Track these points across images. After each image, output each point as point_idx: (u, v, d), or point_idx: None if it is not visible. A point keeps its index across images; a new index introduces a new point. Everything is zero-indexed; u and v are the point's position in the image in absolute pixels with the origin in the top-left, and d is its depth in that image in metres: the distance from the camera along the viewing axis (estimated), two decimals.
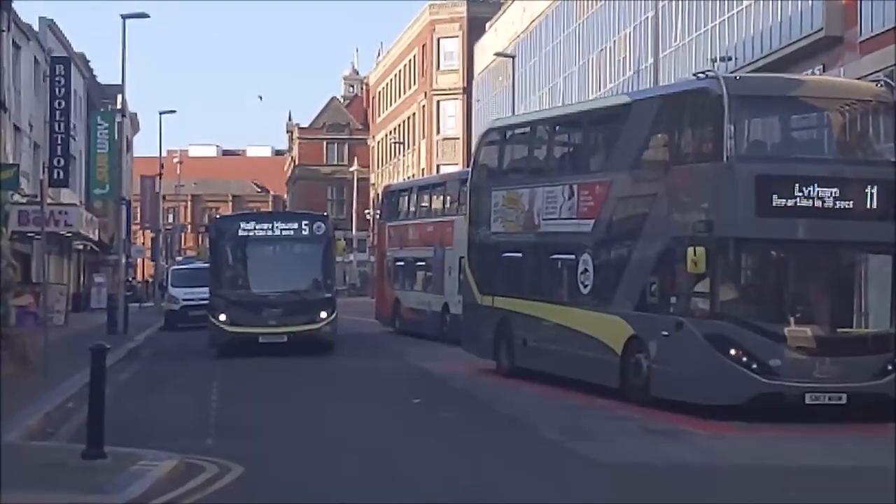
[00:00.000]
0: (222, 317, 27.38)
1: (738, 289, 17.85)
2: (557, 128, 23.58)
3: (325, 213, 30.49)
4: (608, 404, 18.54)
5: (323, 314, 27.51)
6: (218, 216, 31.00)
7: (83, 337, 26.82)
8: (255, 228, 28.20)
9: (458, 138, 69.08)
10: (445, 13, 71.56)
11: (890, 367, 17.31)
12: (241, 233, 28.17)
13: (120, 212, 47.30)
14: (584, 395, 19.60)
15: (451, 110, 70.92)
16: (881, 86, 19.16)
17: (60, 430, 15.48)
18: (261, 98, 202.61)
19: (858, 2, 28.98)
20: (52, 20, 46.11)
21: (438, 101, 71.67)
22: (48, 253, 36.95)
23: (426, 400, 19.07)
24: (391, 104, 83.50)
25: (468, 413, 17.93)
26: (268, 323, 27.09)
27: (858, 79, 24.12)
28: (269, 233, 28.18)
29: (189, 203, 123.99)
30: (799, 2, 31.17)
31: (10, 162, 33.55)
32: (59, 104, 44.24)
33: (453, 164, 63.78)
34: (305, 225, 28.37)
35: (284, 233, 28.25)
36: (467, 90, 68.48)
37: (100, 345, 12.92)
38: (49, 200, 34.08)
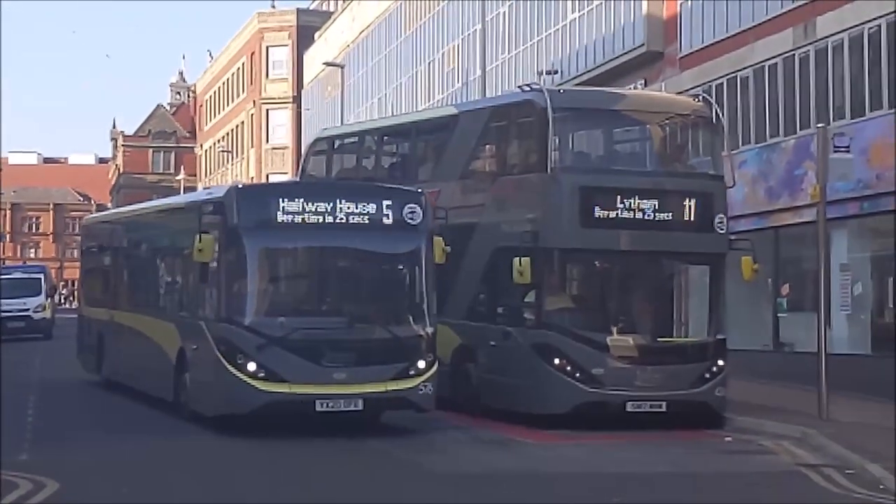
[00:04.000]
0: (251, 366, 15.52)
1: (562, 299, 18.14)
2: (386, 138, 23.62)
3: (420, 190, 17.31)
4: (441, 415, 18.56)
5: (420, 363, 16.16)
6: (239, 185, 18.44)
7: None
8: (304, 211, 16.04)
9: (287, 147, 68.59)
10: (274, 21, 71.03)
11: (707, 376, 17.80)
12: (280, 216, 15.99)
13: None
14: None
15: (281, 119, 70.39)
16: (700, 101, 19.73)
17: None
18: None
19: (679, 19, 29.73)
20: None
21: (268, 110, 71.05)
22: None
23: None
24: (219, 112, 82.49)
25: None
26: (332, 378, 15.70)
27: (678, 94, 24.73)
28: (330, 219, 16.13)
29: (8, 212, 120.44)
30: (622, 18, 31.83)
31: None
32: None
33: (283, 174, 63.27)
34: (389, 207, 16.42)
35: (355, 220, 16.23)
36: (297, 99, 68.09)
37: None
38: None
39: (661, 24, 30.49)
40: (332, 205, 16.16)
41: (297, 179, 23.76)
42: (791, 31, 25.01)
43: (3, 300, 40.59)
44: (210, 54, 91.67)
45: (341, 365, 15.80)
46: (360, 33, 55.50)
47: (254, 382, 15.50)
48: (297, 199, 16.12)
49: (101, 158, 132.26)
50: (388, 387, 15.92)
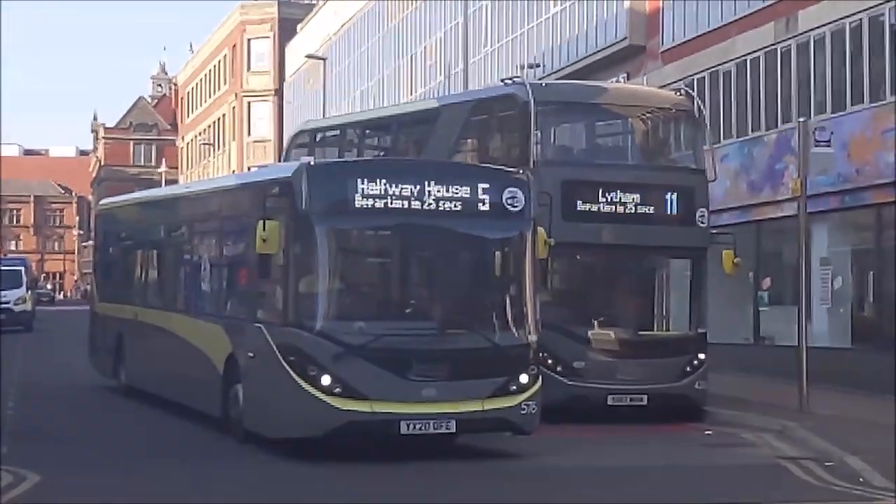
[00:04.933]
0: (325, 379, 13.01)
1: (545, 292, 18.11)
2: (367, 131, 23.58)
3: (522, 171, 14.78)
4: None
5: (523, 376, 13.75)
6: (310, 161, 14.01)
7: None
8: (387, 194, 13.43)
9: (269, 140, 68.55)
10: (256, 14, 70.95)
11: (688, 369, 17.87)
12: (359, 200, 13.38)
13: None
14: None
15: (263, 112, 70.36)
16: (681, 94, 19.78)
17: None
18: None
19: (661, 13, 29.77)
20: None
21: (249, 103, 70.99)
22: None
23: None
24: (201, 105, 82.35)
25: None
26: (420, 394, 13.23)
27: (661, 87, 24.77)
28: (417, 203, 13.53)
29: None
30: (604, 11, 31.86)
31: None
32: None
33: (264, 167, 63.14)
34: (486, 191, 13.82)
35: (446, 205, 13.63)
36: (279, 92, 68.03)
37: None
38: None
39: (643, 18, 30.53)
40: (419, 187, 13.49)
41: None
42: (773, 26, 25.09)
43: None
44: (191, 46, 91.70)
45: (431, 379, 13.23)
46: (343, 26, 55.44)
47: (329, 399, 12.94)
48: (378, 180, 13.41)
49: (81, 151, 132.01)
50: (486, 405, 13.41)
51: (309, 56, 53.51)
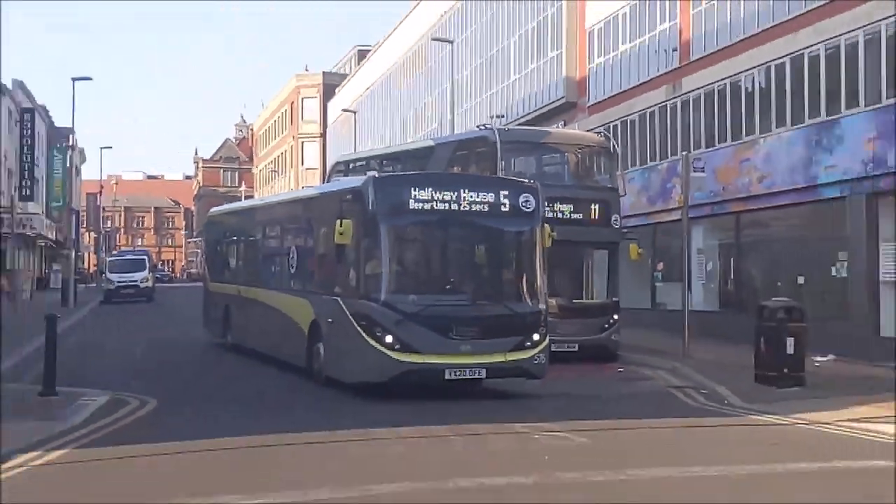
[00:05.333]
0: (388, 338, 12.50)
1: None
2: (384, 161, 23.48)
3: (533, 181, 14.21)
4: None
5: (535, 335, 13.16)
6: (376, 174, 14.34)
7: (43, 308, 25.46)
8: (434, 199, 12.95)
9: (316, 168, 68.37)
10: (307, 80, 70.81)
11: (606, 326, 17.91)
12: (413, 204, 12.89)
13: (71, 219, 45.55)
14: None
15: (312, 149, 70.15)
16: (602, 136, 19.77)
17: (25, 376, 14.61)
18: None
19: (587, 79, 29.72)
20: (21, 81, 43.84)
21: (302, 143, 70.81)
22: (18, 248, 35.34)
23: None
24: (269, 143, 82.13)
25: None
26: (458, 349, 12.68)
27: (587, 131, 24.74)
28: (455, 206, 13.03)
29: (122, 213, 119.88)
30: (548, 78, 31.80)
31: None
32: (27, 142, 42.41)
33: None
34: (507, 196, 13.31)
35: (477, 207, 13.12)
36: (323, 135, 67.88)
37: (52, 314, 12.39)
38: (18, 210, 32.61)
39: (575, 83, 30.48)
40: (457, 194, 12.95)
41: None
42: (664, 88, 25.07)
43: (118, 274, 41.04)
44: (262, 103, 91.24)
45: (466, 338, 12.57)
46: (367, 89, 55.32)
47: (391, 353, 12.37)
48: (427, 189, 12.90)
49: (187, 175, 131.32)
50: (508, 357, 12.79)
51: (344, 110, 53.39)
